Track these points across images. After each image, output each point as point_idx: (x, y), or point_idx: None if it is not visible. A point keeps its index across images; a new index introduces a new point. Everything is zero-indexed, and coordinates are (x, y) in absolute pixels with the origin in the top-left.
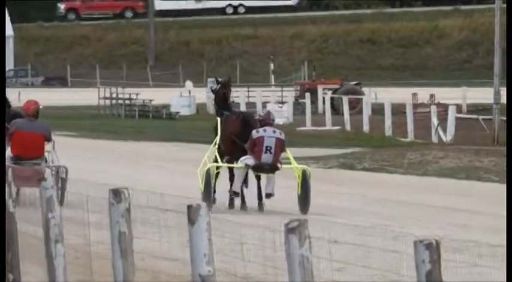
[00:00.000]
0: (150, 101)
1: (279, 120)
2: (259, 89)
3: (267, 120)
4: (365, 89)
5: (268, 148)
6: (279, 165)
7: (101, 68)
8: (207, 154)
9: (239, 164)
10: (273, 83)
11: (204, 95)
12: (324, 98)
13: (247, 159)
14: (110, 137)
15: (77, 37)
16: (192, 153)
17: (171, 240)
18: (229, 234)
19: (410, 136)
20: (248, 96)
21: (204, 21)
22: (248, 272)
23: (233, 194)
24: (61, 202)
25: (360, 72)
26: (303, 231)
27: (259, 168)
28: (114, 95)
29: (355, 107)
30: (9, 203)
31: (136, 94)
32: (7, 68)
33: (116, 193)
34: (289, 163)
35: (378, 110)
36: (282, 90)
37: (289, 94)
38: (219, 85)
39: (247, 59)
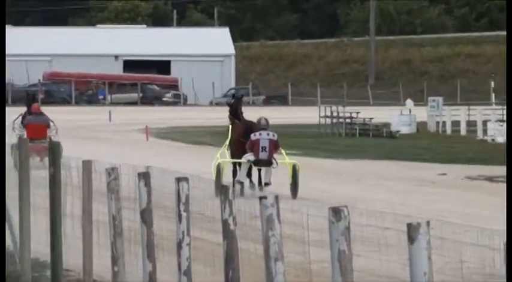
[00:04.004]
0: (371, 119)
1: (499, 138)
2: (480, 107)
3: (263, 126)
4: None
5: (264, 148)
6: (273, 160)
7: (321, 86)
8: (219, 152)
9: (243, 160)
10: (493, 101)
11: (424, 114)
12: None
13: (249, 156)
14: (330, 155)
15: (298, 56)
16: (412, 171)
17: (391, 259)
18: (448, 252)
19: None
20: (468, 115)
21: (425, 39)
22: None
23: (238, 183)
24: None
25: None
26: None
27: (258, 163)
28: (334, 114)
29: None
30: (230, 220)
31: (357, 113)
32: (228, 87)
33: (336, 211)
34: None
35: None
36: (502, 109)
37: None
38: (234, 99)
39: (468, 77)
